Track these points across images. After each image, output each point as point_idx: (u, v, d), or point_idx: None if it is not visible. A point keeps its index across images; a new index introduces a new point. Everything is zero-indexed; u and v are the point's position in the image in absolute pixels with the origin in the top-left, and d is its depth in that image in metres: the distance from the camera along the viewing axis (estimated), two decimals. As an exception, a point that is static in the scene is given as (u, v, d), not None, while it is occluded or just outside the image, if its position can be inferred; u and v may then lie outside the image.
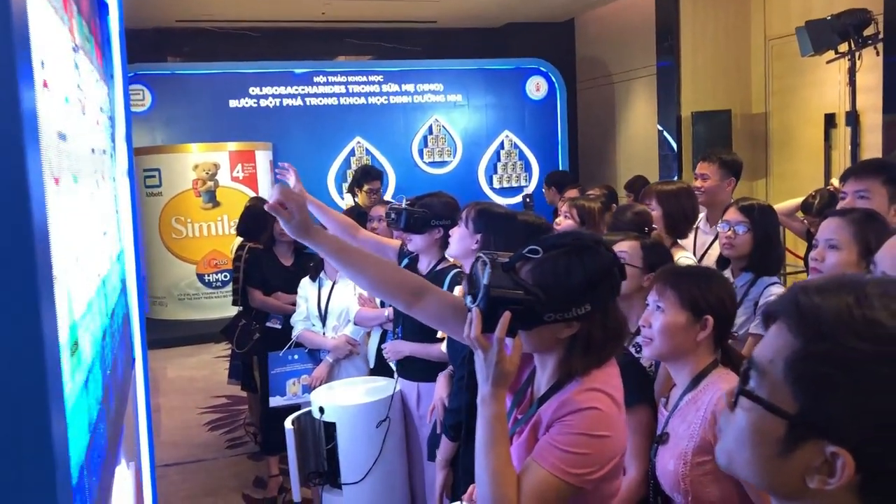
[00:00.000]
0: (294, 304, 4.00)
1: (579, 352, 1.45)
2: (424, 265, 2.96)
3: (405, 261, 3.02)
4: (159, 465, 4.54)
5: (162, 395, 6.20)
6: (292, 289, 4.12)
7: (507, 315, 1.36)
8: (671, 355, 1.87)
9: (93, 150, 2.25)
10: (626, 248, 2.38)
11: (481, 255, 1.42)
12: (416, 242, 2.92)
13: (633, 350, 2.32)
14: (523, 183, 9.87)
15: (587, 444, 1.39)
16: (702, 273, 1.94)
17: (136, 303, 3.35)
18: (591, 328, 1.44)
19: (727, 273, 2.84)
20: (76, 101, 1.93)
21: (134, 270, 3.34)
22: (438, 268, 2.92)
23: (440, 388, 2.76)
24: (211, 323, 7.24)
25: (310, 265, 4.06)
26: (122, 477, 2.15)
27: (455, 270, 2.85)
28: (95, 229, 2.08)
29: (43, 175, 1.03)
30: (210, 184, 8.27)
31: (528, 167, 9.95)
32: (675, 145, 8.14)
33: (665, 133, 8.29)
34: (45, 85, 1.46)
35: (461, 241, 2.54)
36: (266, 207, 1.65)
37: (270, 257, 4.28)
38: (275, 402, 3.71)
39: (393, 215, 2.91)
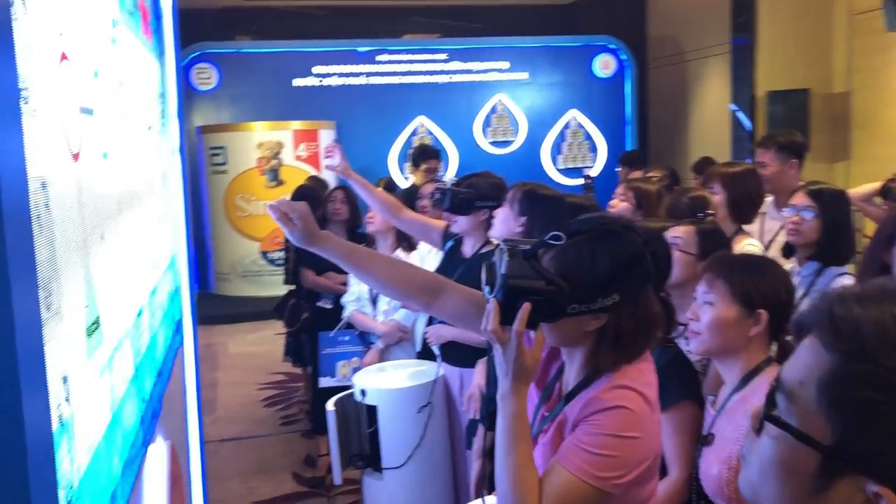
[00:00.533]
0: (345, 283, 3.98)
1: (608, 346, 1.34)
2: (469, 247, 2.88)
3: (450, 242, 2.94)
4: (214, 440, 4.62)
5: (221, 371, 6.31)
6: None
7: (526, 306, 1.26)
8: (720, 351, 1.74)
9: (133, 127, 2.23)
10: (680, 233, 2.25)
11: (500, 242, 1.33)
12: (460, 224, 2.83)
13: (683, 342, 2.19)
14: (589, 163, 9.65)
15: (614, 445, 1.28)
16: (755, 262, 1.80)
17: (186, 279, 3.36)
18: (621, 320, 1.33)
19: (793, 262, 2.66)
20: (110, 75, 1.90)
21: (184, 246, 3.34)
22: (483, 251, 2.83)
23: (478, 375, 2.68)
24: (273, 300, 7.26)
25: (362, 245, 4.02)
26: (156, 453, 2.14)
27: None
28: (130, 206, 2.06)
29: (23, 148, 0.97)
30: (274, 162, 8.35)
31: (594, 147, 9.72)
32: (749, 126, 7.80)
33: (739, 113, 7.94)
34: (65, 57, 1.42)
35: (504, 223, 2.44)
36: (269, 209, 1.64)
37: None
38: (324, 382, 3.71)
39: (437, 195, 2.83)
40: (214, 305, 8.10)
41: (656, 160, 9.69)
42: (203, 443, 3.41)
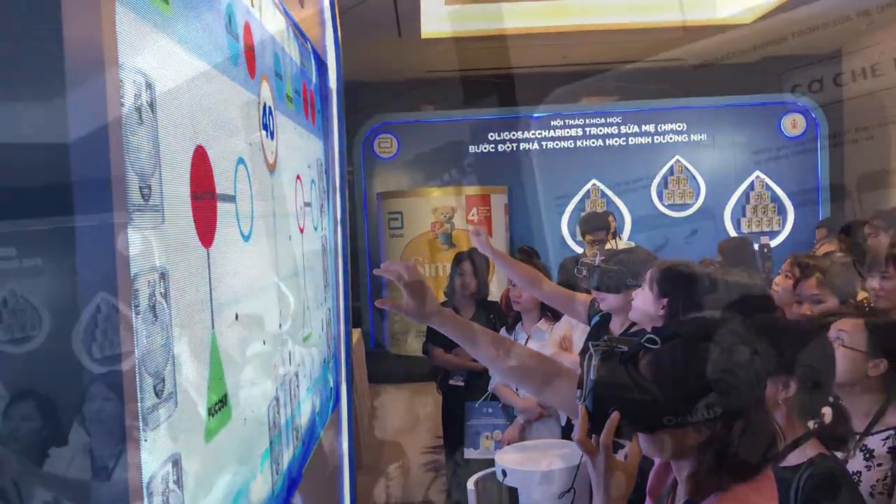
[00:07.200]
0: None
1: (710, 464, 1.21)
2: (617, 325, 2.76)
3: (596, 317, 2.83)
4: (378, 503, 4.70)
5: (391, 432, 6.44)
6: None
7: (614, 416, 1.18)
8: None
9: (284, 206, 2.35)
10: (846, 327, 2.00)
11: (591, 344, 1.25)
12: (608, 302, 2.72)
13: (860, 454, 1.96)
14: (776, 227, 9.06)
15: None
16: None
17: (343, 346, 3.48)
18: (725, 435, 1.20)
19: None
20: (257, 160, 2.02)
21: (343, 314, 3.46)
22: (633, 331, 2.69)
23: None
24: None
25: (490, 317, 4.06)
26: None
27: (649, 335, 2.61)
28: (274, 283, 2.16)
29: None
30: (447, 226, 8.58)
31: (781, 210, 9.12)
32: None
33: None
34: (200, 149, 1.52)
35: (644, 306, 2.31)
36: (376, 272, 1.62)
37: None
38: (469, 454, 3.69)
39: (584, 272, 2.74)
40: (388, 364, 8.33)
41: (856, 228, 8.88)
42: (355, 505, 3.46)
